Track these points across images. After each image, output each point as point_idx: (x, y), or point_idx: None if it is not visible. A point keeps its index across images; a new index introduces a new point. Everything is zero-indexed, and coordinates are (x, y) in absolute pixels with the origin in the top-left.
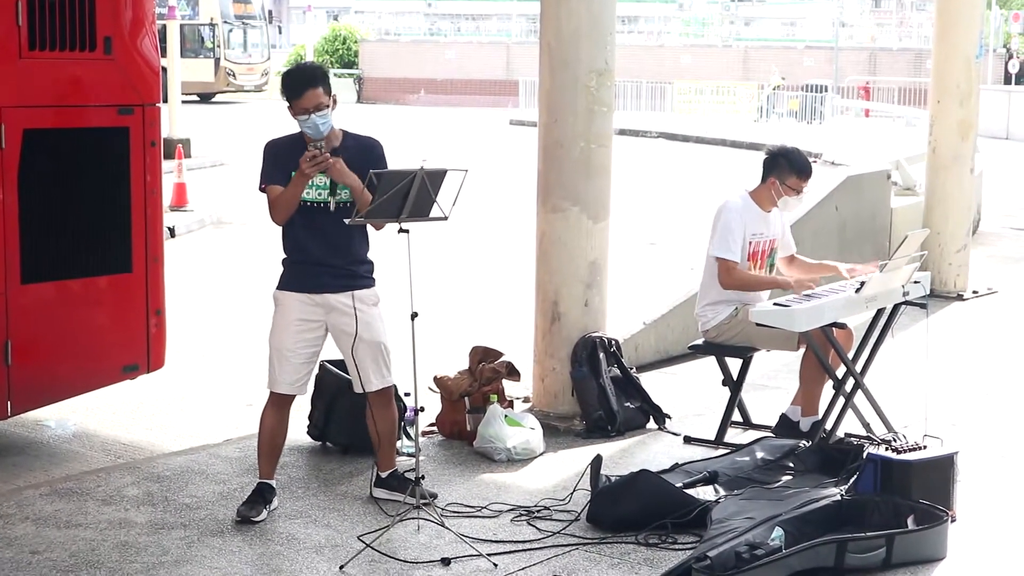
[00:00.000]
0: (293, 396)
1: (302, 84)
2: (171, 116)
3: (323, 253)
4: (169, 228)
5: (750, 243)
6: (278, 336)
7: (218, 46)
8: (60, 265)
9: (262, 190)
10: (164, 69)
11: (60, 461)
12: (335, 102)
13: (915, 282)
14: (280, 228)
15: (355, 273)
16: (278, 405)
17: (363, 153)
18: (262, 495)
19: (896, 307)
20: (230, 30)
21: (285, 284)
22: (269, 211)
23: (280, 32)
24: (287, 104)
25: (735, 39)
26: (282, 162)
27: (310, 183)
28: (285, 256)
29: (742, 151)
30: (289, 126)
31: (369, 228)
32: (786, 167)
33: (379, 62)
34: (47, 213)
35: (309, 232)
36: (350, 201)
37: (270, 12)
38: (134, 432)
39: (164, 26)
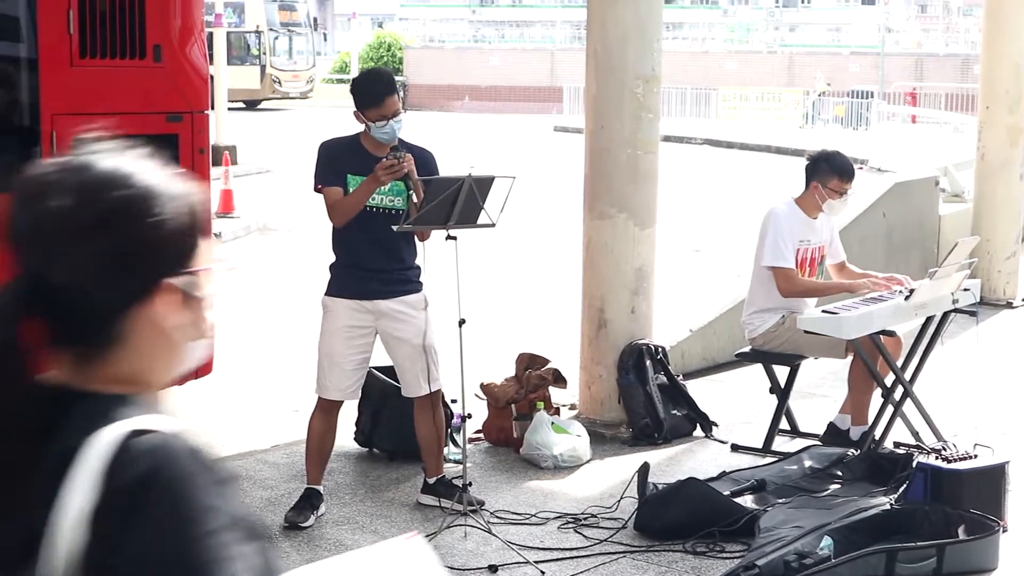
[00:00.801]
0: (341, 402)
1: (384, 91)
2: (217, 123)
3: (376, 259)
4: (216, 234)
5: (797, 251)
6: (328, 342)
7: (264, 53)
8: None
9: (317, 190)
10: (211, 76)
11: None
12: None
13: (965, 289)
14: (332, 232)
15: (405, 278)
16: (326, 411)
17: (418, 162)
18: (310, 501)
19: (945, 315)
20: (276, 37)
21: (334, 290)
22: (328, 213)
23: (325, 39)
24: (359, 110)
25: (780, 45)
26: (336, 164)
27: (378, 189)
28: (335, 261)
29: (787, 157)
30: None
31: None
32: (827, 170)
33: (424, 69)
34: None
35: (365, 237)
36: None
37: (315, 19)
38: None
39: (211, 34)
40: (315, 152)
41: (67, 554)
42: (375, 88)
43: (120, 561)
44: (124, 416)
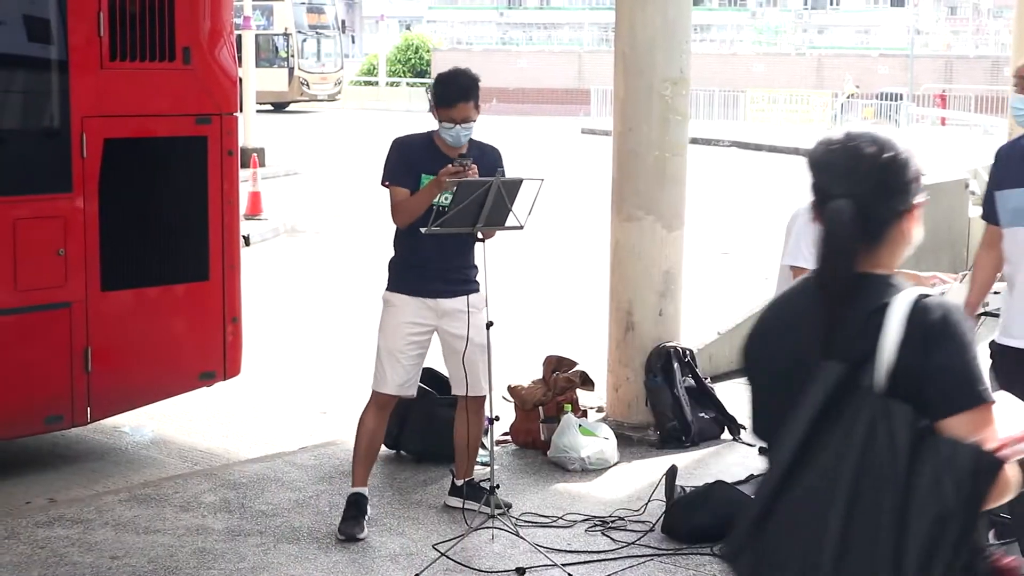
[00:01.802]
0: (396, 399)
1: (457, 96)
2: (245, 125)
3: (441, 258)
4: (244, 237)
5: None
6: (389, 338)
7: (292, 56)
8: (139, 273)
9: (385, 185)
10: (239, 79)
11: (138, 467)
12: (479, 111)
13: (995, 293)
14: (395, 229)
15: (467, 277)
16: (381, 406)
17: (485, 158)
18: (358, 508)
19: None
20: (304, 40)
21: (397, 286)
22: (392, 211)
23: (353, 42)
24: (435, 105)
25: (808, 47)
26: (410, 163)
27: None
28: (395, 257)
29: None
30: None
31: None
32: None
33: None
34: (126, 221)
35: (431, 236)
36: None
37: (343, 22)
38: (210, 439)
39: (239, 36)
40: (372, 150)
41: (887, 364)
42: (448, 90)
43: (924, 369)
44: (903, 287)
